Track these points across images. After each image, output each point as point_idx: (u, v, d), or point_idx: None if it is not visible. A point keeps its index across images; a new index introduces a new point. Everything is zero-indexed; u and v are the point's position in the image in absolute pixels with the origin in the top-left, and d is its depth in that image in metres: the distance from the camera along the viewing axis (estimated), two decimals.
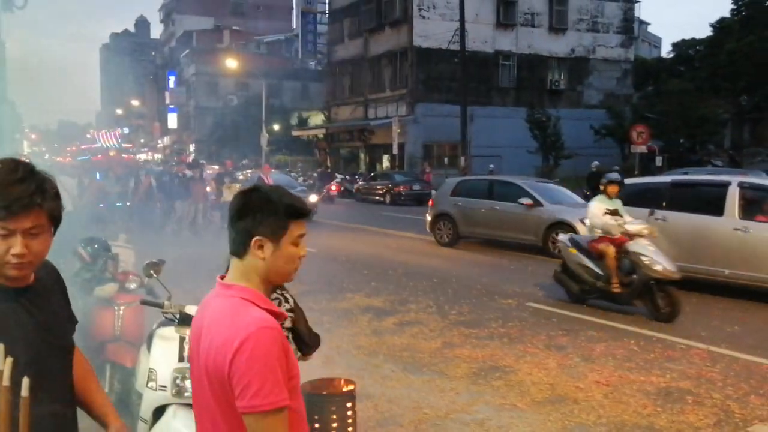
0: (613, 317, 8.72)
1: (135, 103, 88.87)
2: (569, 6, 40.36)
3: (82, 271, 5.70)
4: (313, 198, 20.99)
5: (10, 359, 1.65)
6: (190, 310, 4.12)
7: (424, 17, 36.79)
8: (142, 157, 29.35)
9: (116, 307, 5.40)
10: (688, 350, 7.27)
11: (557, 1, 40.04)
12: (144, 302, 4.45)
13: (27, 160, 1.90)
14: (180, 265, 9.52)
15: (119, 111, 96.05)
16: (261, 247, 1.87)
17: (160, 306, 4.08)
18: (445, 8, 36.47)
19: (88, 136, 37.38)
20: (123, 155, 37.04)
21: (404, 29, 37.38)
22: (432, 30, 36.46)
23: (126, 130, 45.00)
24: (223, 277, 1.96)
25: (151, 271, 4.45)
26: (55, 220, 1.90)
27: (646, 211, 10.72)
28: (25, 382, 1.63)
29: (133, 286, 5.50)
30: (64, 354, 2.01)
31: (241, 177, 23.49)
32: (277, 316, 1.88)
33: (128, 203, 17.51)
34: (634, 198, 11.13)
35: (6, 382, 1.63)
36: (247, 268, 1.90)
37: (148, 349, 4.19)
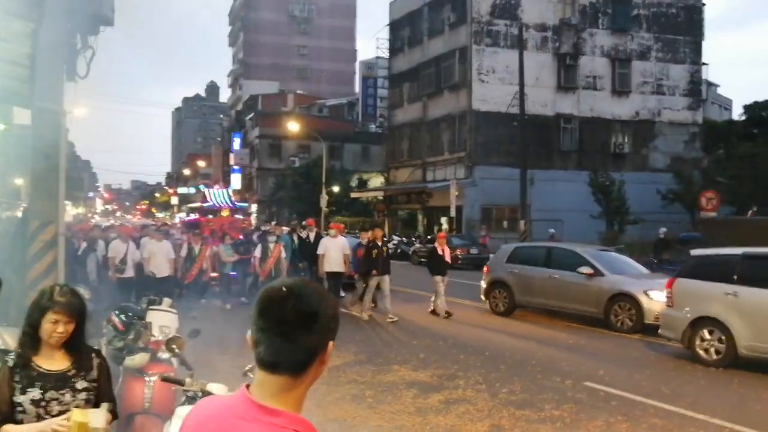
0: (681, 402, 7.98)
1: (201, 164, 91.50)
2: (632, 69, 39.80)
3: (114, 340, 5.58)
4: None
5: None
6: (213, 388, 3.93)
7: (483, 81, 36.79)
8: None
9: (147, 378, 5.19)
10: None
11: (620, 65, 39.57)
12: (165, 379, 4.34)
13: None
14: None
15: (187, 171, 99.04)
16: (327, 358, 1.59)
17: (181, 384, 3.98)
18: (504, 72, 36.38)
19: (201, 187, 35.17)
20: (237, 216, 33.14)
21: (463, 93, 37.45)
22: (491, 94, 36.39)
23: (231, 187, 44.78)
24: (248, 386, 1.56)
25: (173, 347, 4.32)
26: None
27: (714, 285, 9.99)
28: None
29: (165, 356, 5.28)
30: None
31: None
32: None
33: (249, 275, 16.16)
34: (702, 271, 10.44)
35: None
36: (299, 391, 1.55)
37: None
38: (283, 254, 15.35)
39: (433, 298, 15.32)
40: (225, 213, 32.41)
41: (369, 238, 15.35)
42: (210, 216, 31.13)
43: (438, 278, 15.05)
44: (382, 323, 13.84)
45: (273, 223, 23.30)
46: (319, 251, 14.88)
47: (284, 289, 1.54)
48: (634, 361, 10.56)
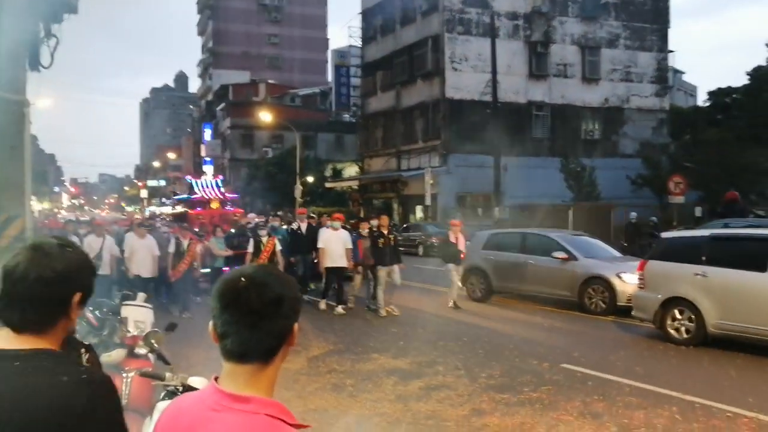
0: (654, 381, 8.22)
1: (171, 155, 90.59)
2: (601, 57, 40.23)
3: (89, 336, 5.43)
4: None
5: None
6: (194, 381, 3.91)
7: (456, 69, 36.94)
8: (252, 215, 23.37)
9: (124, 374, 5.15)
10: (735, 419, 6.77)
11: (589, 52, 39.96)
12: (144, 374, 4.29)
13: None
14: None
15: (156, 163, 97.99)
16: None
17: (161, 378, 3.93)
18: (477, 60, 36.58)
19: (188, 179, 33.06)
20: (227, 208, 30.78)
21: (436, 81, 37.56)
22: (464, 82, 36.57)
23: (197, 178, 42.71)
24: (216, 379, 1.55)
25: (152, 341, 4.28)
26: None
27: (684, 266, 10.27)
28: None
29: (143, 351, 5.22)
30: None
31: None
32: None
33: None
34: (672, 253, 10.71)
35: None
36: (269, 376, 1.55)
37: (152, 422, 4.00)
38: (279, 247, 13.74)
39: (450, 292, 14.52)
40: (215, 205, 30.73)
41: (369, 226, 14.43)
42: (199, 208, 29.72)
43: (451, 266, 14.28)
44: (362, 313, 13.92)
45: (255, 215, 22.15)
46: (320, 244, 13.74)
47: (243, 279, 1.53)
48: (609, 343, 10.82)
